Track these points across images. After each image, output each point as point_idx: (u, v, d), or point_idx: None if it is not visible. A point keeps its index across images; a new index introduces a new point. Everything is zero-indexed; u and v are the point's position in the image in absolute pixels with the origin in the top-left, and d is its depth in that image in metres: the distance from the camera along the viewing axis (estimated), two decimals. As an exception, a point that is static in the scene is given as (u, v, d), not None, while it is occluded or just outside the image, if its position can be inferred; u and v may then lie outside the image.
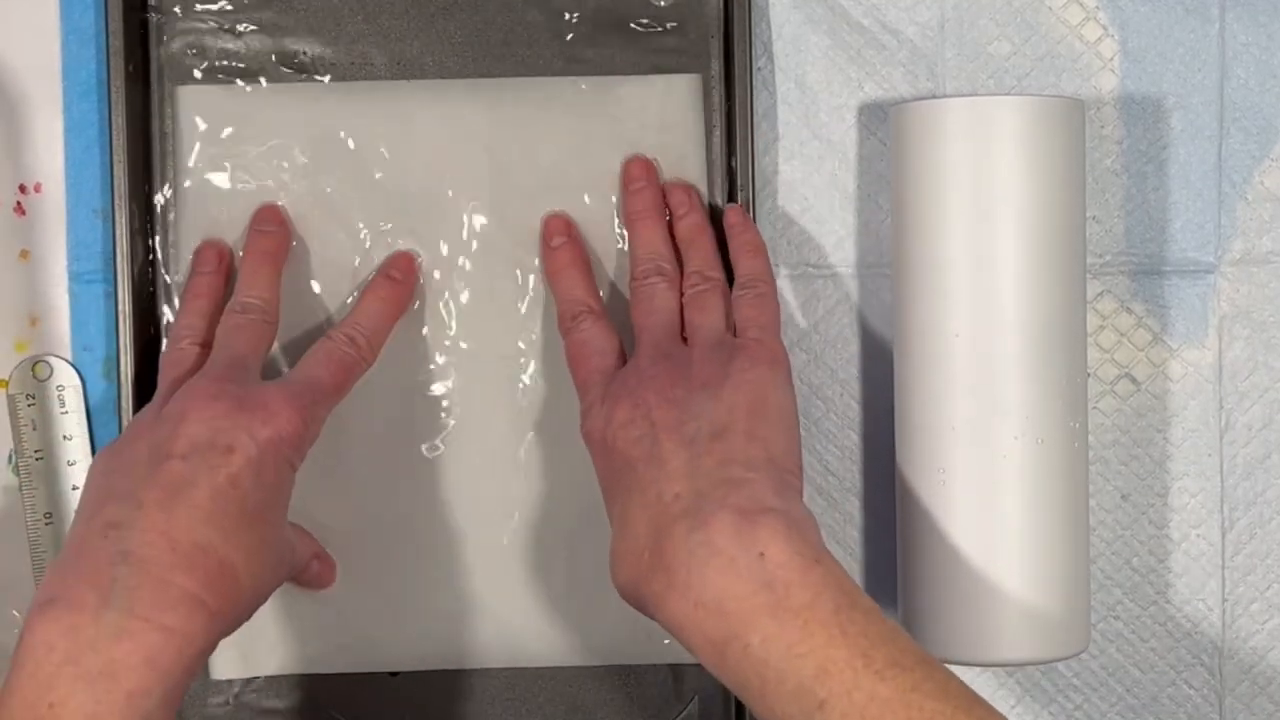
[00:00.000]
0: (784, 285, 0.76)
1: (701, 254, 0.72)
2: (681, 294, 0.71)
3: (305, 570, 0.72)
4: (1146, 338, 0.77)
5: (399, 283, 0.73)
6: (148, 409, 0.68)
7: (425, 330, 0.75)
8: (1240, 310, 0.77)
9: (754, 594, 0.58)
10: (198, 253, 0.73)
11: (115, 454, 0.66)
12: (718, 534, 0.59)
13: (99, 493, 0.64)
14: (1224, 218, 0.77)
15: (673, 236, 0.73)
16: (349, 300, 0.74)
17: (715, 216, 0.74)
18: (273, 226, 0.73)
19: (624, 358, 0.70)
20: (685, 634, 0.60)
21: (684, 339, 0.70)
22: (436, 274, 0.75)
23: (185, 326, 0.71)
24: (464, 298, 0.75)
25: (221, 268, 0.73)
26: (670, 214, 0.74)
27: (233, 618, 0.63)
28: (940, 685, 0.57)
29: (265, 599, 0.65)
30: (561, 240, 0.74)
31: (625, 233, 0.74)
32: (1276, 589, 0.78)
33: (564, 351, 0.72)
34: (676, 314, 0.71)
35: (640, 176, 0.74)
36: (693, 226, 0.73)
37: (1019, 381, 0.69)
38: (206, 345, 0.70)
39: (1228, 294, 0.77)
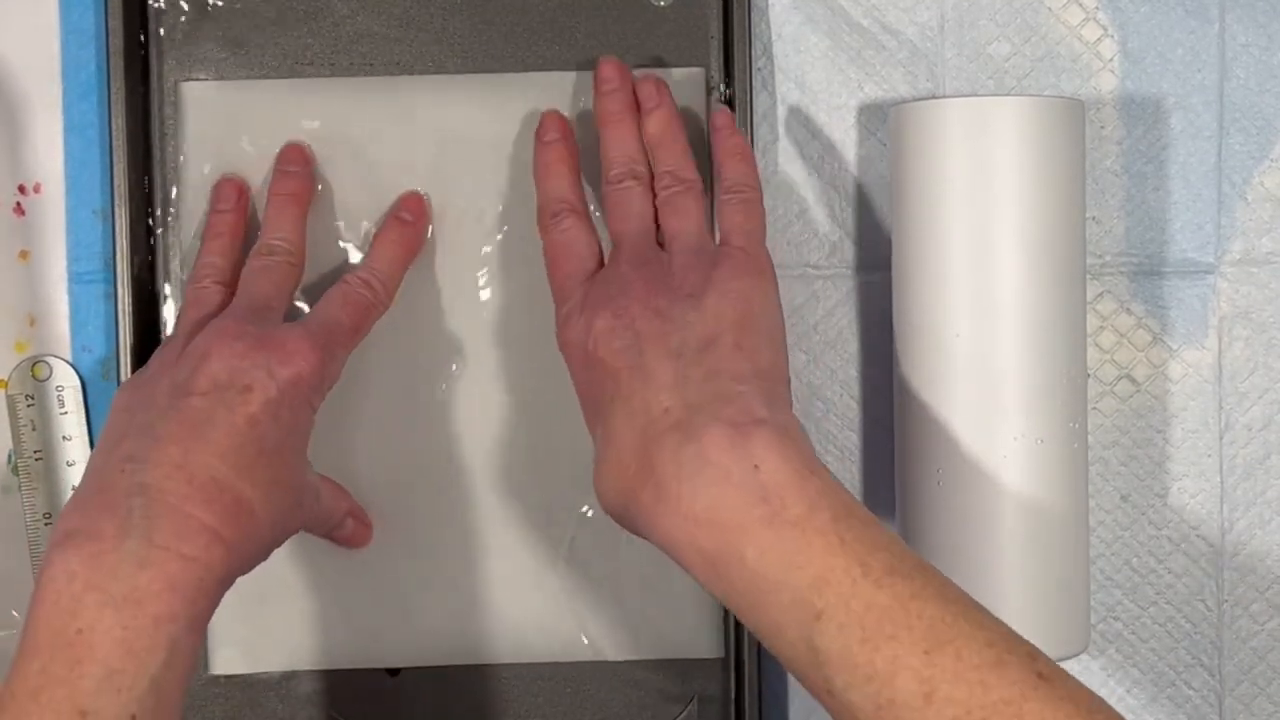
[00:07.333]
0: (784, 286, 0.76)
1: (673, 154, 0.70)
2: (654, 196, 0.70)
3: (339, 528, 0.72)
4: (1146, 338, 0.77)
5: (409, 224, 0.73)
6: (168, 345, 0.68)
7: (427, 328, 0.75)
8: (1240, 311, 0.77)
9: (750, 506, 0.57)
10: (217, 188, 0.73)
11: (136, 389, 0.66)
12: (710, 447, 0.58)
13: (118, 427, 0.64)
14: (1224, 218, 0.77)
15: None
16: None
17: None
18: (297, 167, 0.73)
19: (603, 262, 0.69)
20: (677, 549, 0.59)
21: (660, 244, 0.68)
22: (440, 271, 0.75)
23: (206, 265, 0.71)
24: (467, 293, 0.75)
25: (241, 204, 0.73)
26: (640, 110, 0.71)
27: (249, 553, 0.62)
28: (939, 591, 0.55)
29: (283, 539, 0.65)
30: (555, 137, 0.72)
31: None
32: (1276, 589, 0.78)
33: (542, 252, 0.70)
34: (652, 218, 0.69)
35: (613, 78, 0.72)
36: (661, 121, 0.71)
37: (1019, 381, 0.69)
38: (226, 284, 0.70)
39: (1227, 294, 0.77)
